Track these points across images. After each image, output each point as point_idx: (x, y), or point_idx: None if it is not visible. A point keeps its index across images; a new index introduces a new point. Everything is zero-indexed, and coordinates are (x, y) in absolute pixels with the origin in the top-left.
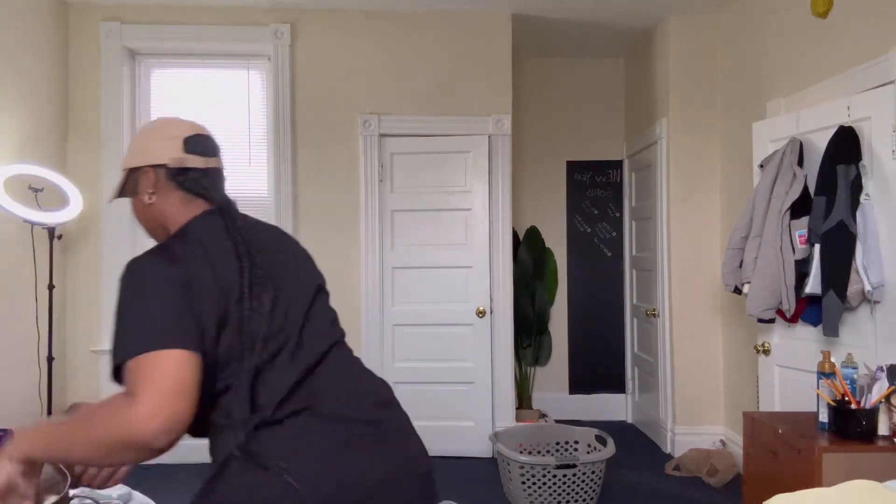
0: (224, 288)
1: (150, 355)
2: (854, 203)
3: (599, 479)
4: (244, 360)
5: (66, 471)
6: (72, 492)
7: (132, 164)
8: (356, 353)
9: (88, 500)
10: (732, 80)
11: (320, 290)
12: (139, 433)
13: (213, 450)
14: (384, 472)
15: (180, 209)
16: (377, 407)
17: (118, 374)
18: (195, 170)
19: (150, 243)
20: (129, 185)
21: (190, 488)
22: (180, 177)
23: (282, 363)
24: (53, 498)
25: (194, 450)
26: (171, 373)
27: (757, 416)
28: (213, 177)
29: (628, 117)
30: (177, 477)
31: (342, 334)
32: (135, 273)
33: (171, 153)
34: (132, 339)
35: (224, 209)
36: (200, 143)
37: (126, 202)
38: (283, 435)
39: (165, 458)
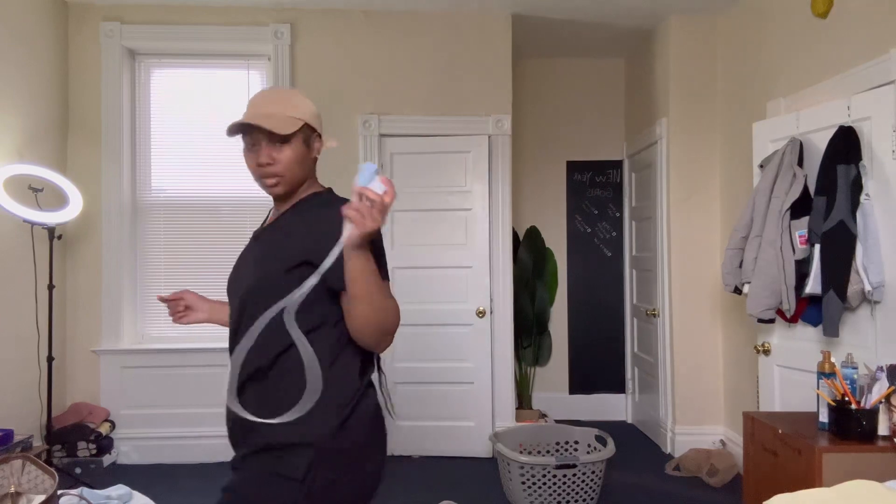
0: None
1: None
2: (854, 203)
3: (599, 479)
4: None
5: (53, 471)
6: (68, 492)
7: (315, 125)
8: None
9: (82, 500)
10: (732, 80)
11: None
12: (395, 332)
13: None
14: None
15: (315, 175)
16: None
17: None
18: None
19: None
20: (303, 136)
21: (190, 488)
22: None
23: None
24: (41, 497)
25: (193, 450)
26: None
27: (757, 416)
28: None
29: (628, 117)
30: (177, 477)
31: None
32: None
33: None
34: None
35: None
36: None
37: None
38: None
39: (165, 458)
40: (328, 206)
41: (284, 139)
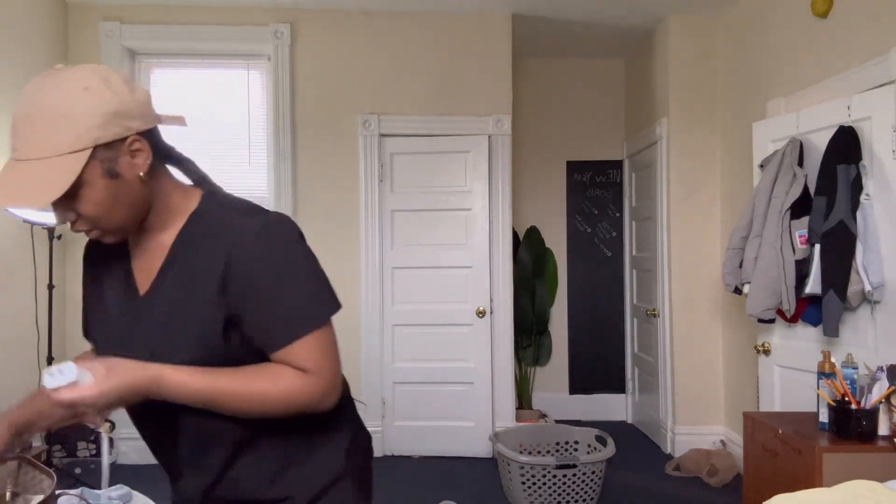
0: None
1: (327, 326)
2: (854, 203)
3: (599, 479)
4: None
5: (51, 471)
6: (67, 491)
7: (114, 134)
8: (356, 354)
9: (82, 501)
10: (732, 80)
11: None
12: (321, 405)
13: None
14: None
15: (176, 185)
16: None
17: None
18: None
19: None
20: (100, 164)
21: None
22: (162, 143)
23: None
24: (39, 497)
25: None
26: (336, 343)
27: (757, 416)
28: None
29: (628, 117)
30: None
31: None
32: (293, 232)
33: (151, 111)
34: (313, 308)
35: (216, 191)
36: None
37: None
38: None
39: None
40: (222, 230)
41: (72, 187)
